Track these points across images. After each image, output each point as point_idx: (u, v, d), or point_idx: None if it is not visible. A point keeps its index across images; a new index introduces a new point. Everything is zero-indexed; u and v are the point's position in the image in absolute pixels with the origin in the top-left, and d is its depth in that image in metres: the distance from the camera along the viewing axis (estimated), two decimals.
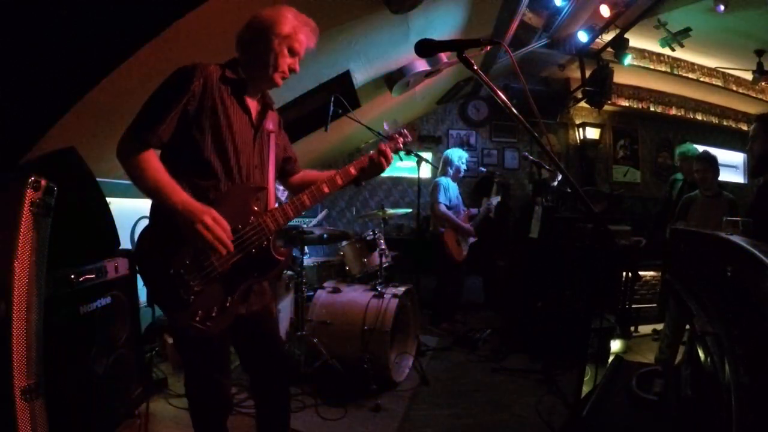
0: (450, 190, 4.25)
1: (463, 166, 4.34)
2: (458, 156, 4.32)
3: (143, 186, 1.37)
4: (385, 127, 1.97)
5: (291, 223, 1.77)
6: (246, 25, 1.55)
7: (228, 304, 1.47)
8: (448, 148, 6.11)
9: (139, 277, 2.24)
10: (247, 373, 1.81)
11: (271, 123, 1.67)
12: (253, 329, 1.66)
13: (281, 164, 1.80)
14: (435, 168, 5.61)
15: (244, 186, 1.54)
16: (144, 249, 1.44)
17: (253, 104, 1.60)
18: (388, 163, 1.79)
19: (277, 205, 1.63)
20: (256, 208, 1.53)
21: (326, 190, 1.66)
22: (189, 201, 1.37)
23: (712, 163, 3.30)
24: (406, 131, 1.93)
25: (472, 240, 4.36)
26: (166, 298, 1.41)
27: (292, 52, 1.56)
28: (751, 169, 2.94)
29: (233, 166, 1.51)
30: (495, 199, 4.38)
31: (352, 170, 1.74)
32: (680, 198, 3.58)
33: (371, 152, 1.78)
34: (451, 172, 4.32)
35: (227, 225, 1.40)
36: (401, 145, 1.90)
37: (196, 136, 1.44)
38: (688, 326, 2.63)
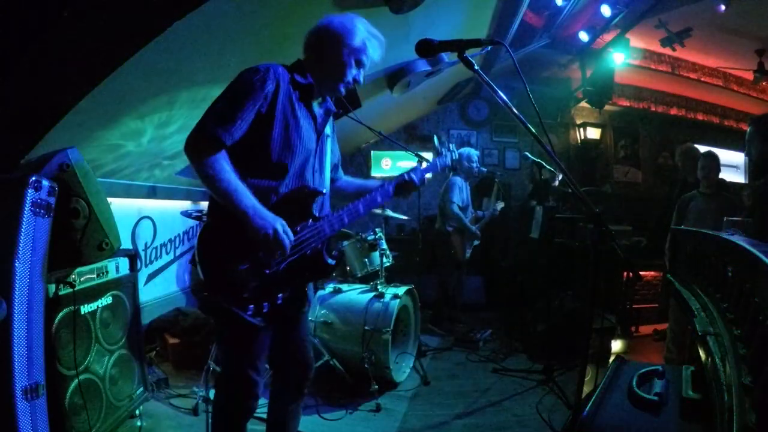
0: (463, 190, 4.24)
1: (475, 165, 4.29)
2: (467, 156, 4.30)
3: (215, 187, 1.39)
4: (436, 142, 2.01)
5: None
6: (316, 30, 1.56)
7: (279, 302, 1.50)
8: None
9: (141, 278, 2.24)
10: (271, 368, 1.85)
11: (329, 128, 1.70)
12: (294, 329, 1.70)
13: (331, 168, 1.82)
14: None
15: (305, 189, 1.56)
16: (205, 245, 1.47)
17: (317, 109, 1.62)
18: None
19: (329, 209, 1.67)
20: (315, 213, 1.56)
21: (379, 199, 1.71)
22: (260, 207, 1.41)
23: (716, 162, 3.31)
24: (451, 148, 1.98)
25: (475, 243, 4.36)
26: (222, 292, 1.44)
27: (359, 64, 1.58)
28: (751, 172, 2.95)
29: (298, 169, 1.54)
30: (499, 205, 4.37)
31: (390, 189, 1.77)
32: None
33: (410, 177, 1.79)
34: (462, 173, 4.30)
35: (292, 236, 1.46)
36: (448, 163, 1.95)
37: (266, 138, 1.46)
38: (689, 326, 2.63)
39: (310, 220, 1.55)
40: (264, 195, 1.47)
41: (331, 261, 1.60)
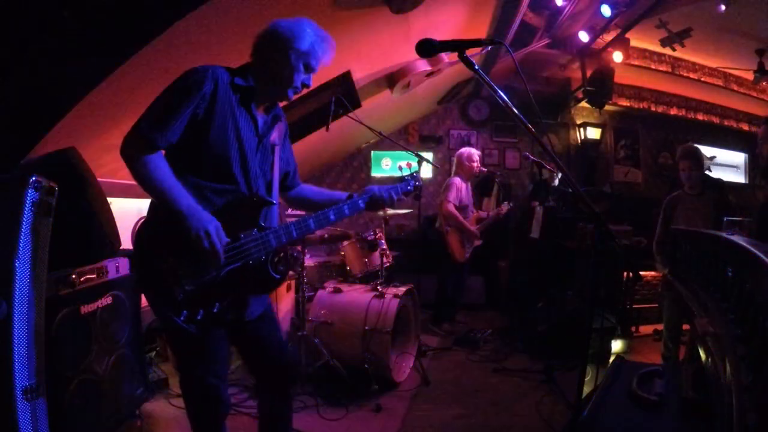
0: (462, 190, 4.24)
1: (475, 165, 4.27)
2: (467, 156, 4.29)
3: (149, 187, 1.37)
4: (399, 167, 1.99)
5: None
6: (264, 34, 1.54)
7: (215, 310, 1.46)
8: (449, 148, 6.12)
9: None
10: (251, 376, 1.82)
11: (276, 136, 1.67)
12: (255, 334, 1.67)
13: (281, 177, 1.80)
14: (436, 168, 5.61)
15: (253, 198, 1.54)
16: (140, 241, 1.45)
17: (260, 113, 1.60)
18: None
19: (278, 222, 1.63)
20: (262, 223, 1.53)
21: (332, 217, 1.66)
22: (195, 207, 1.38)
23: (698, 159, 3.23)
24: (418, 175, 1.96)
25: (476, 243, 4.35)
26: (155, 292, 1.42)
27: (308, 69, 1.55)
28: (763, 171, 2.92)
29: (237, 171, 1.51)
30: (506, 206, 4.37)
31: (362, 206, 1.74)
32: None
33: (383, 191, 1.79)
34: (462, 172, 4.30)
35: (225, 240, 1.42)
36: (410, 188, 1.91)
37: (203, 139, 1.44)
38: (688, 326, 2.63)
39: (255, 230, 1.51)
40: (206, 197, 1.45)
41: (275, 275, 1.55)
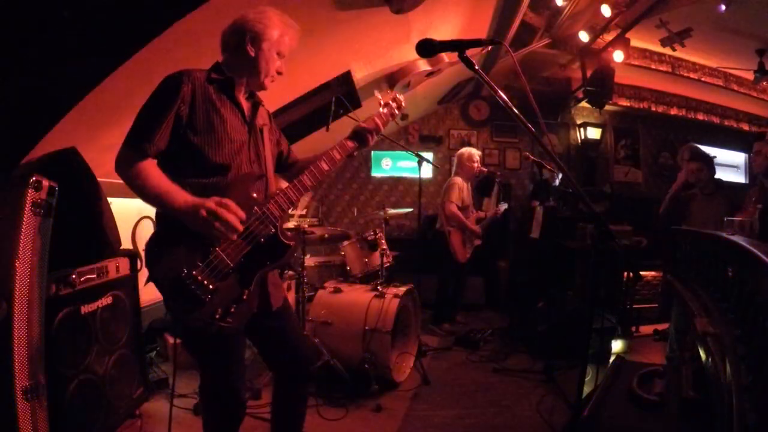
0: (464, 190, 4.24)
1: (476, 165, 4.27)
2: (468, 156, 4.29)
3: (145, 195, 1.39)
4: (377, 95, 1.96)
5: None
6: (232, 30, 1.55)
7: (245, 297, 1.47)
8: (449, 148, 6.12)
9: (141, 278, 2.23)
10: (270, 370, 1.84)
11: (261, 118, 1.69)
12: (276, 324, 1.67)
13: (276, 158, 1.81)
14: (436, 168, 5.60)
15: (242, 176, 1.53)
16: (153, 256, 1.43)
17: (243, 102, 1.62)
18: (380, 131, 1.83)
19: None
20: (255, 195, 1.53)
21: (325, 167, 1.66)
22: (191, 197, 1.38)
23: (707, 162, 3.29)
24: (399, 97, 1.92)
25: (477, 242, 4.36)
26: (182, 301, 1.40)
27: (280, 55, 1.59)
28: (764, 172, 2.94)
29: (233, 163, 1.52)
30: (503, 206, 4.36)
31: (350, 143, 1.75)
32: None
33: (364, 122, 1.79)
34: (463, 172, 4.30)
35: (234, 204, 1.39)
36: (396, 112, 1.90)
37: (192, 139, 1.46)
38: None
39: (255, 207, 1.51)
40: (204, 194, 1.44)
41: (287, 242, 1.58)
